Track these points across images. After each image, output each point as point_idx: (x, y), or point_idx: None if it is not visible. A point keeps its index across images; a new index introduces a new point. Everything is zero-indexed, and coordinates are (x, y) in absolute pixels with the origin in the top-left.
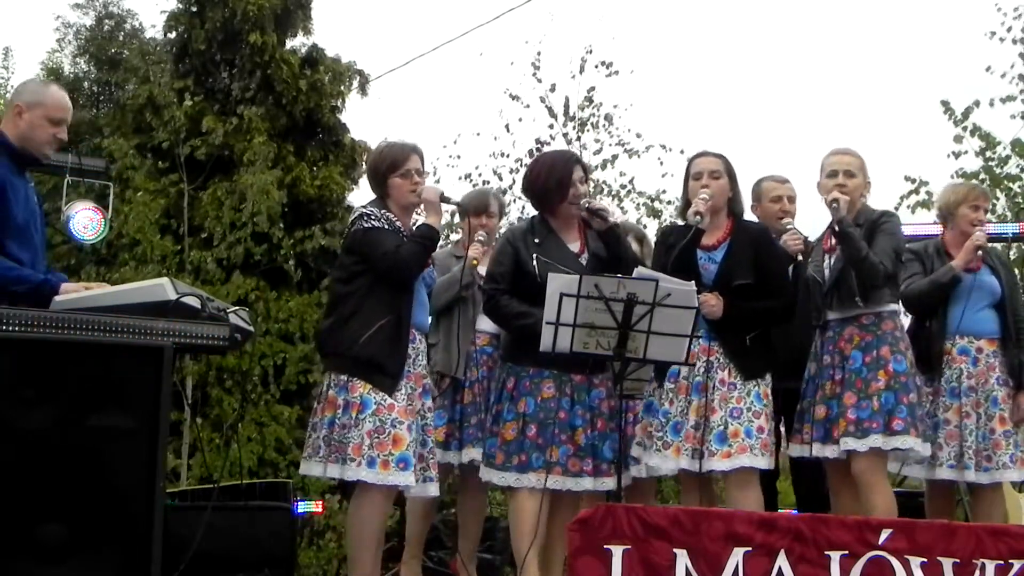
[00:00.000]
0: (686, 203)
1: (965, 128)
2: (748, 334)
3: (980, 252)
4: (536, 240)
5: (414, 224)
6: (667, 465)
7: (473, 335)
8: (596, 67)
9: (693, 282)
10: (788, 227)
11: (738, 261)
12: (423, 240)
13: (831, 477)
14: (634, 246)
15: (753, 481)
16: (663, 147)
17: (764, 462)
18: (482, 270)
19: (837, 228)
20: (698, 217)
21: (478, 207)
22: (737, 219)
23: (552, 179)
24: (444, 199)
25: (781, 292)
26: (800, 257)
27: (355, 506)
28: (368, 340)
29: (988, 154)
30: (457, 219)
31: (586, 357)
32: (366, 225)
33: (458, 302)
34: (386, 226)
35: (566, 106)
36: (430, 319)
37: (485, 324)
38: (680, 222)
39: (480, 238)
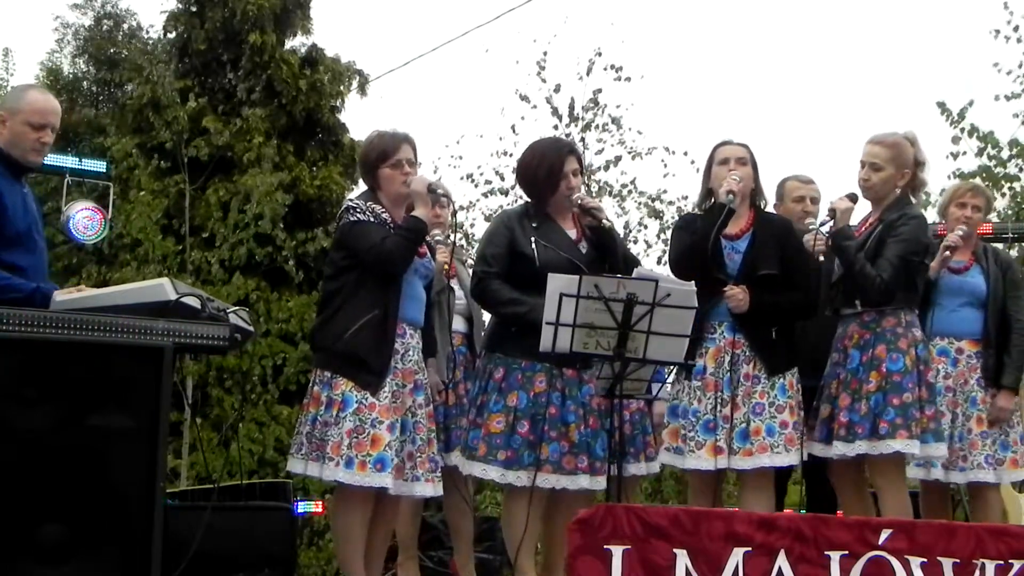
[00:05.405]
0: (707, 192)
1: (962, 129)
2: (773, 327)
3: (950, 253)
4: (534, 224)
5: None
6: (705, 465)
7: (450, 336)
8: (605, 69)
9: (693, 282)
10: (811, 227)
11: (762, 251)
12: (409, 232)
13: (834, 477)
14: None
15: (768, 482)
16: (667, 149)
17: (788, 459)
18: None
19: (831, 241)
20: (731, 196)
21: None
22: (759, 210)
23: (543, 170)
24: (431, 189)
25: (805, 285)
26: (822, 258)
27: (335, 507)
28: (353, 335)
29: (987, 154)
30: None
31: (586, 357)
32: (352, 219)
33: (432, 306)
34: (372, 219)
35: (571, 107)
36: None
37: (456, 324)
38: (698, 212)
39: (438, 237)
